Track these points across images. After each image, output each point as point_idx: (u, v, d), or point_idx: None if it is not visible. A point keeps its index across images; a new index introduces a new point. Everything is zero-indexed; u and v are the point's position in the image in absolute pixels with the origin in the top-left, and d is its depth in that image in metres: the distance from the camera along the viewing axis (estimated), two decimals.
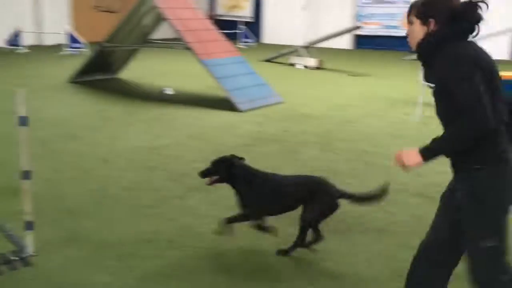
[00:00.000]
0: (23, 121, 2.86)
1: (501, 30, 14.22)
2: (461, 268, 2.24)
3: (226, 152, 5.12)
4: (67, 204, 3.78)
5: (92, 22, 17.35)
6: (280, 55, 13.27)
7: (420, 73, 6.86)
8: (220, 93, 7.84)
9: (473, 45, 2.10)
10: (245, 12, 20.18)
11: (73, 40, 13.59)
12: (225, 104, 7.33)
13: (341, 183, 4.29)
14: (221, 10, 20.86)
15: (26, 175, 2.91)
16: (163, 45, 9.78)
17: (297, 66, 12.29)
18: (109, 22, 14.43)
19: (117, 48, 9.17)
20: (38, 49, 14.46)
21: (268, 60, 13.31)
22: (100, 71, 9.66)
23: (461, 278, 2.31)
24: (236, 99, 7.25)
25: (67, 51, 13.53)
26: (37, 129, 5.75)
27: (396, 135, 6.09)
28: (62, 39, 14.03)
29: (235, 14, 20.33)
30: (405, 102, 8.23)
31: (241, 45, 16.95)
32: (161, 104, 7.60)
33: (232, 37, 16.22)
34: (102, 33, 13.74)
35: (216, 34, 8.39)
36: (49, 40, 15.70)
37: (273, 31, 19.45)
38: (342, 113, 7.32)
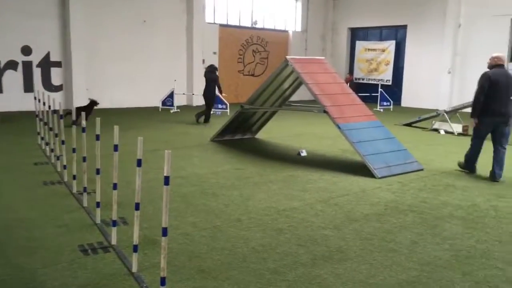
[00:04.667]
0: (167, 181, 3.05)
1: None
2: None
3: (358, 220, 4.96)
4: (200, 263, 3.88)
5: (236, 85, 18.63)
6: (421, 119, 12.71)
7: None
8: (356, 157, 7.67)
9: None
10: (385, 75, 19.96)
11: (218, 101, 14.65)
12: (360, 169, 7.13)
13: (492, 268, 3.82)
14: (360, 74, 20.92)
15: (164, 232, 3.06)
16: (300, 108, 10.00)
17: (441, 132, 11.61)
18: (251, 85, 15.37)
19: (257, 109, 9.62)
20: (188, 109, 15.84)
21: (407, 124, 12.83)
22: (240, 131, 10.18)
23: None
24: (372, 165, 7.01)
25: (212, 111, 14.57)
26: (181, 185, 6.20)
27: None
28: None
29: (374, 77, 20.21)
30: None
31: (379, 108, 16.68)
32: (295, 165, 7.67)
33: (370, 100, 16.09)
34: (244, 95, 14.71)
35: (353, 98, 8.34)
36: (197, 102, 17.18)
37: (413, 94, 18.85)
38: (493, 185, 6.61)
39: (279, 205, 5.50)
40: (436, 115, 12.32)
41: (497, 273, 3.75)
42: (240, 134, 10.25)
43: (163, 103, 15.35)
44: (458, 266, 3.88)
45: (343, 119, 7.59)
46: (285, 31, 20.62)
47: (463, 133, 11.19)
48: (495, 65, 7.11)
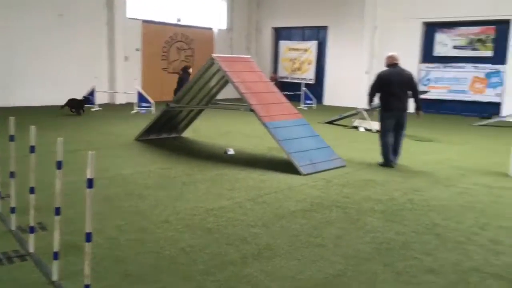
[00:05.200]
0: (90, 184, 2.91)
1: None
2: None
3: (285, 217, 5.05)
4: (126, 267, 3.75)
5: (161, 83, 18.27)
6: (342, 117, 13.20)
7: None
8: (282, 155, 7.81)
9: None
10: (308, 74, 20.51)
11: (142, 99, 14.29)
12: (286, 167, 7.26)
13: (410, 259, 4.04)
14: (284, 73, 21.35)
15: (88, 237, 2.92)
16: (227, 107, 10.01)
17: (360, 129, 12.12)
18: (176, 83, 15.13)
19: (183, 108, 9.49)
20: (110, 108, 15.30)
21: (330, 122, 13.27)
22: (165, 130, 9.99)
23: None
24: (298, 162, 7.16)
25: (137, 109, 14.20)
26: (104, 187, 5.96)
27: (468, 207, 5.69)
28: (132, 99, 14.82)
29: (298, 76, 20.71)
30: (475, 171, 7.80)
31: (302, 107, 17.10)
32: (222, 164, 7.66)
33: (294, 99, 16.47)
34: (169, 93, 14.48)
35: (278, 96, 8.48)
36: (120, 99, 16.65)
37: (335, 93, 19.54)
38: (408, 180, 7.01)
39: (207, 204, 5.46)
40: (356, 113, 12.85)
41: (415, 263, 3.98)
42: (166, 133, 10.06)
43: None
44: (380, 258, 4.07)
45: (270, 118, 7.68)
46: (210, 29, 20.53)
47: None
48: (390, 64, 7.84)
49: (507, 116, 14.20)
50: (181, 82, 13.72)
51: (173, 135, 10.22)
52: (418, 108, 7.94)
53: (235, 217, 5.05)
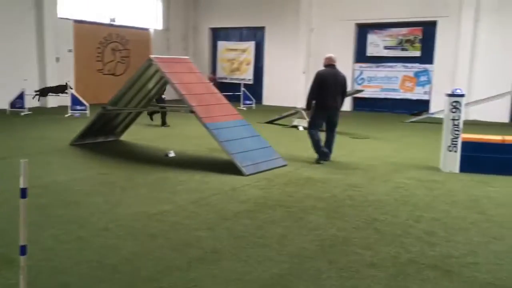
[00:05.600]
0: (24, 193, 2.75)
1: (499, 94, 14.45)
2: None
3: (230, 218, 5.03)
4: (65, 279, 3.58)
5: (96, 85, 17.67)
6: (281, 117, 13.38)
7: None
8: (224, 156, 7.79)
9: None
10: (246, 75, 20.61)
11: (76, 102, 13.76)
12: (229, 168, 7.24)
13: (352, 254, 4.15)
14: (223, 73, 21.33)
15: (22, 250, 2.76)
16: (167, 108, 9.83)
17: (300, 128, 12.34)
18: (112, 85, 14.73)
19: (121, 111, 9.23)
20: (42, 112, 14.60)
21: (269, 122, 13.41)
22: (102, 134, 9.67)
23: None
24: (240, 163, 7.17)
25: (71, 113, 13.65)
26: (38, 196, 5.66)
27: (403, 201, 5.94)
28: (65, 102, 14.23)
29: (237, 77, 20.76)
30: (408, 166, 8.16)
31: (242, 107, 17.17)
32: (163, 167, 7.52)
33: (234, 99, 16.49)
34: (105, 95, 14.05)
35: (219, 97, 8.45)
36: (52, 103, 15.93)
37: (273, 93, 19.78)
38: (346, 176, 7.21)
39: (149, 209, 5.33)
40: (295, 112, 13.07)
41: (357, 258, 4.09)
42: (103, 137, 9.74)
43: (12, 105, 13.93)
44: (323, 255, 4.15)
45: (210, 119, 7.64)
46: (146, 29, 20.12)
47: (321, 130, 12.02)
48: (327, 65, 8.24)
49: (435, 112, 15.00)
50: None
51: (111, 138, 9.91)
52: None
53: (179, 221, 4.97)
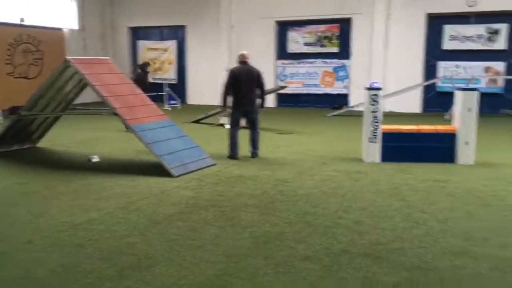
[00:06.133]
0: None
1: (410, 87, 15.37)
2: None
3: (161, 222, 4.92)
4: None
5: (6, 89, 16.53)
6: (207, 116, 13.30)
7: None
8: (151, 158, 7.59)
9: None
10: (169, 74, 20.26)
11: None
12: (157, 170, 7.07)
13: (286, 248, 4.21)
14: None
15: None
16: (87, 112, 9.41)
17: (226, 127, 12.31)
18: (25, 89, 13.83)
19: (37, 116, 8.70)
20: None
21: (196, 121, 13.28)
22: (17, 141, 9.07)
23: None
24: (169, 164, 7.02)
25: None
26: None
27: (331, 193, 6.13)
28: None
29: (160, 76, 20.34)
30: (333, 158, 8.44)
31: (167, 107, 16.87)
32: (87, 173, 7.19)
33: (158, 100, 16.14)
34: (17, 100, 13.16)
35: (143, 98, 8.23)
36: None
37: (197, 92, 19.61)
38: (275, 172, 7.31)
39: (74, 218, 5.07)
40: (221, 111, 13.03)
41: (291, 252, 4.16)
42: (18, 144, 9.12)
43: None
44: (259, 252, 4.18)
45: (135, 120, 7.42)
46: (60, 29, 19.11)
47: (245, 127, 12.09)
48: (240, 61, 8.39)
49: (354, 106, 15.62)
50: (142, 81, 12.50)
51: (27, 146, 9.31)
52: (261, 105, 8.55)
53: (107, 228, 4.78)
